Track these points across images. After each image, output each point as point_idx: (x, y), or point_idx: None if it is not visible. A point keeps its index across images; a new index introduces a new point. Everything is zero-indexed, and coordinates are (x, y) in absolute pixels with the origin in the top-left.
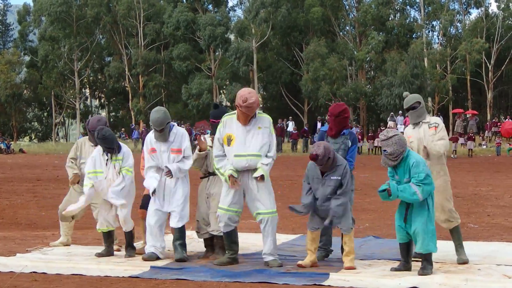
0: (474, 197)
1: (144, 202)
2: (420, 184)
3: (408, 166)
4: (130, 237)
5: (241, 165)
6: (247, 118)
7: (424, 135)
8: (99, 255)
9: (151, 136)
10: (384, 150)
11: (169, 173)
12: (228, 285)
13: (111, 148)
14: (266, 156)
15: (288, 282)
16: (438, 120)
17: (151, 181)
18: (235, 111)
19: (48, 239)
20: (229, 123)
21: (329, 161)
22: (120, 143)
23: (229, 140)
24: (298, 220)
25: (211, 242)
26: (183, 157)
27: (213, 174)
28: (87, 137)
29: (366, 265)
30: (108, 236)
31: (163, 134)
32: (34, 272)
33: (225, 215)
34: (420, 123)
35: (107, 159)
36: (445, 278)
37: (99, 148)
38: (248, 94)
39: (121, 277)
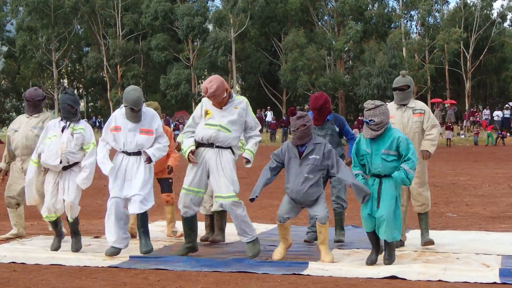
0: (453, 186)
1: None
2: (409, 163)
3: (390, 138)
4: (75, 225)
5: (208, 134)
6: (218, 104)
7: (408, 121)
8: (53, 248)
9: (117, 113)
10: (371, 120)
11: (149, 159)
12: (207, 274)
13: (72, 107)
14: (250, 137)
15: (267, 272)
16: (423, 105)
17: (105, 167)
18: None
19: None
20: (209, 103)
21: (306, 129)
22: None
23: (206, 114)
24: (276, 210)
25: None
26: (157, 137)
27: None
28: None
29: (345, 254)
30: (56, 225)
31: (138, 114)
32: (13, 262)
33: (186, 195)
34: (405, 106)
35: (64, 126)
36: (423, 267)
37: (54, 120)
38: (208, 84)
39: (100, 267)
